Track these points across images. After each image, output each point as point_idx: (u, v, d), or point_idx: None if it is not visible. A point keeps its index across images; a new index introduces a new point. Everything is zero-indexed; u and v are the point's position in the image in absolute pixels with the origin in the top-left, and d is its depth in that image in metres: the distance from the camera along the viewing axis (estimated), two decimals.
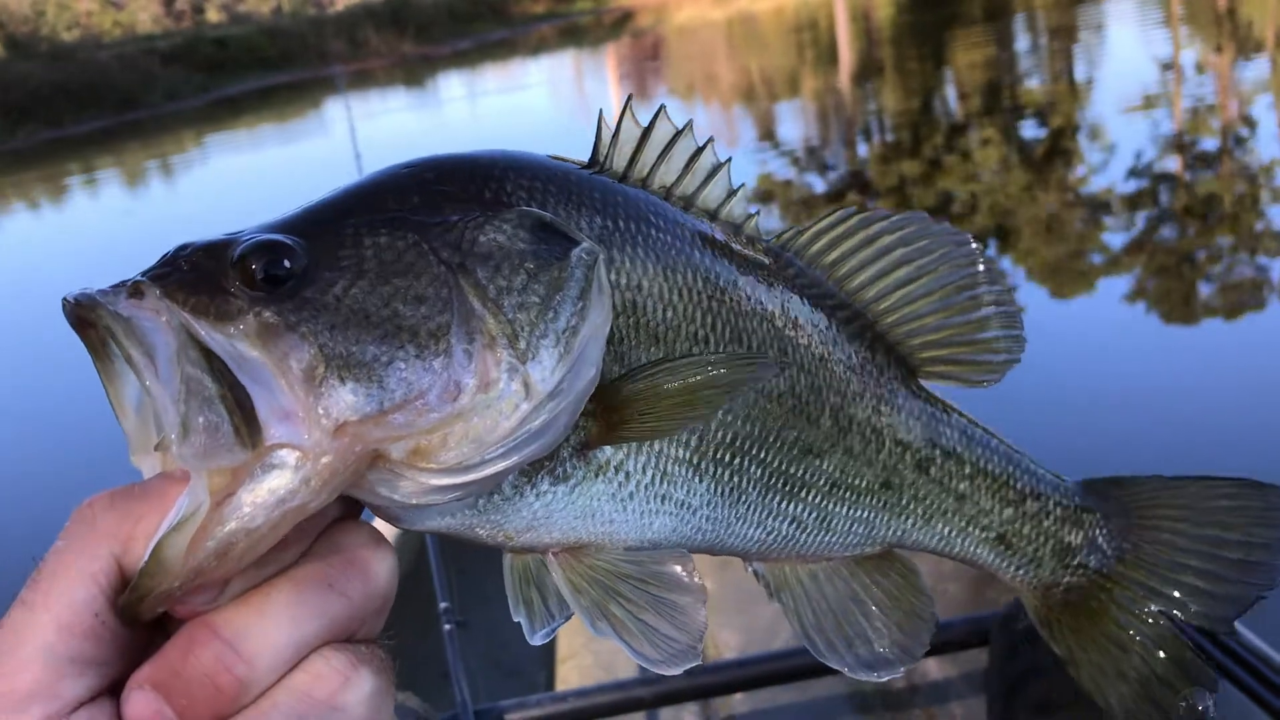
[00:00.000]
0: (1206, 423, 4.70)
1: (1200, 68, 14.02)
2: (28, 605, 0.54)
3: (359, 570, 0.58)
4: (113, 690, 0.55)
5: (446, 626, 2.21)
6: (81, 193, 19.35)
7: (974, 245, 0.82)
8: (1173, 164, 9.79)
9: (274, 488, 0.54)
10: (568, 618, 0.68)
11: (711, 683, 2.19)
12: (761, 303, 0.76)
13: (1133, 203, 8.69)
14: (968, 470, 0.85)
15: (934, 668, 2.63)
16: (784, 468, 0.76)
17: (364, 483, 0.59)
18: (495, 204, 0.65)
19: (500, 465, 0.60)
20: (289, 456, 0.55)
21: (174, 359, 0.56)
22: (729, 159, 0.77)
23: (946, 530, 0.85)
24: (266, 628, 0.55)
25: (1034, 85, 15.23)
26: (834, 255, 0.81)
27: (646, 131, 0.74)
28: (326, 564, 0.58)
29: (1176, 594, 0.86)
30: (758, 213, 0.78)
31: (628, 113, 0.74)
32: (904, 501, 0.83)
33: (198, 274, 0.58)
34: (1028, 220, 8.72)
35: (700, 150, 0.76)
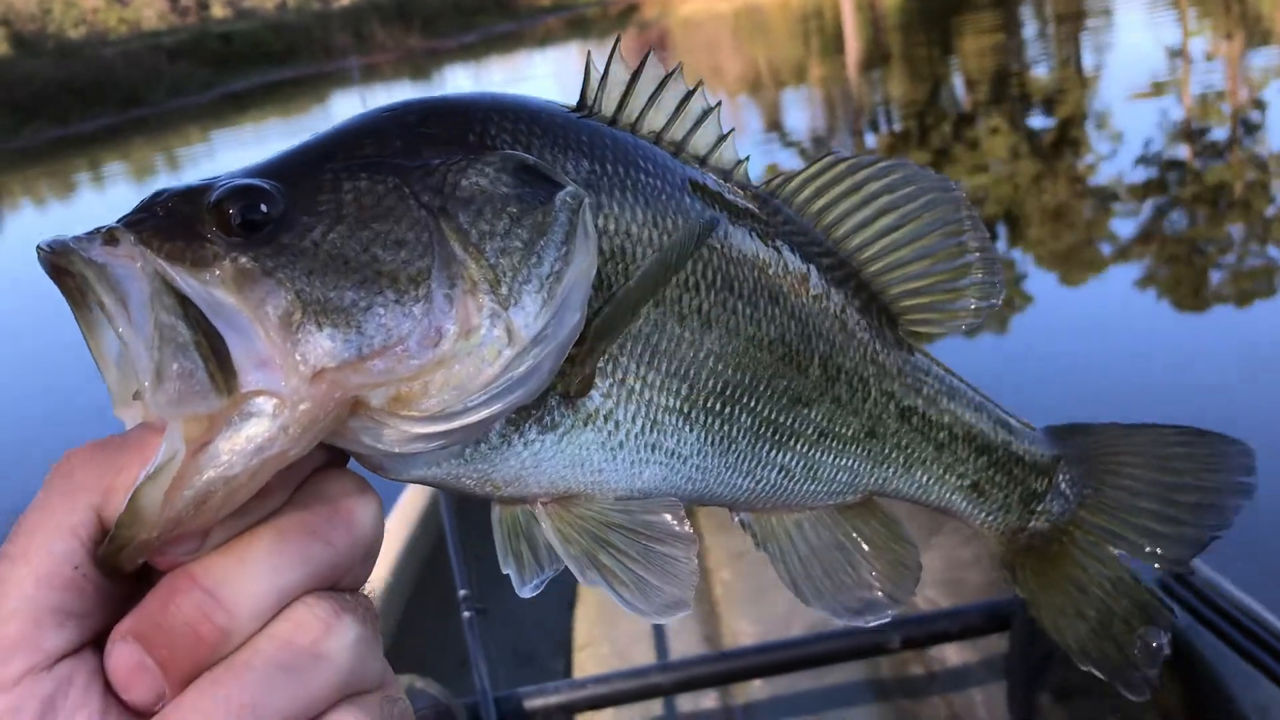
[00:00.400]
0: (1217, 409, 4.67)
1: (1209, 55, 13.92)
2: (8, 558, 0.53)
3: (343, 518, 0.57)
4: (96, 642, 0.54)
5: (466, 614, 2.21)
6: (89, 190, 19.41)
7: (957, 191, 0.82)
8: (1182, 152, 9.72)
9: (251, 435, 0.54)
10: (558, 570, 0.67)
11: (729, 669, 2.18)
12: (751, 249, 0.75)
13: (1142, 191, 8.64)
14: (947, 419, 0.87)
15: (953, 654, 2.62)
16: (774, 416, 0.76)
17: (346, 431, 0.58)
18: (479, 147, 0.63)
19: (484, 413, 0.59)
20: (266, 404, 0.54)
21: (148, 305, 0.55)
22: (719, 103, 0.76)
23: (925, 478, 0.87)
24: (248, 576, 0.54)
25: (1042, 73, 15.14)
26: (821, 202, 0.81)
27: (635, 75, 0.73)
28: (310, 511, 0.57)
29: (1134, 536, 0.89)
30: (747, 159, 0.78)
31: (616, 55, 0.72)
32: (887, 450, 0.84)
33: (173, 219, 0.57)
34: (1037, 209, 8.68)
35: (690, 94, 0.75)
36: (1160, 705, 1.99)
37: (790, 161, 11.92)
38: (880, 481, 0.85)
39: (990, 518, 0.90)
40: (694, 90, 0.75)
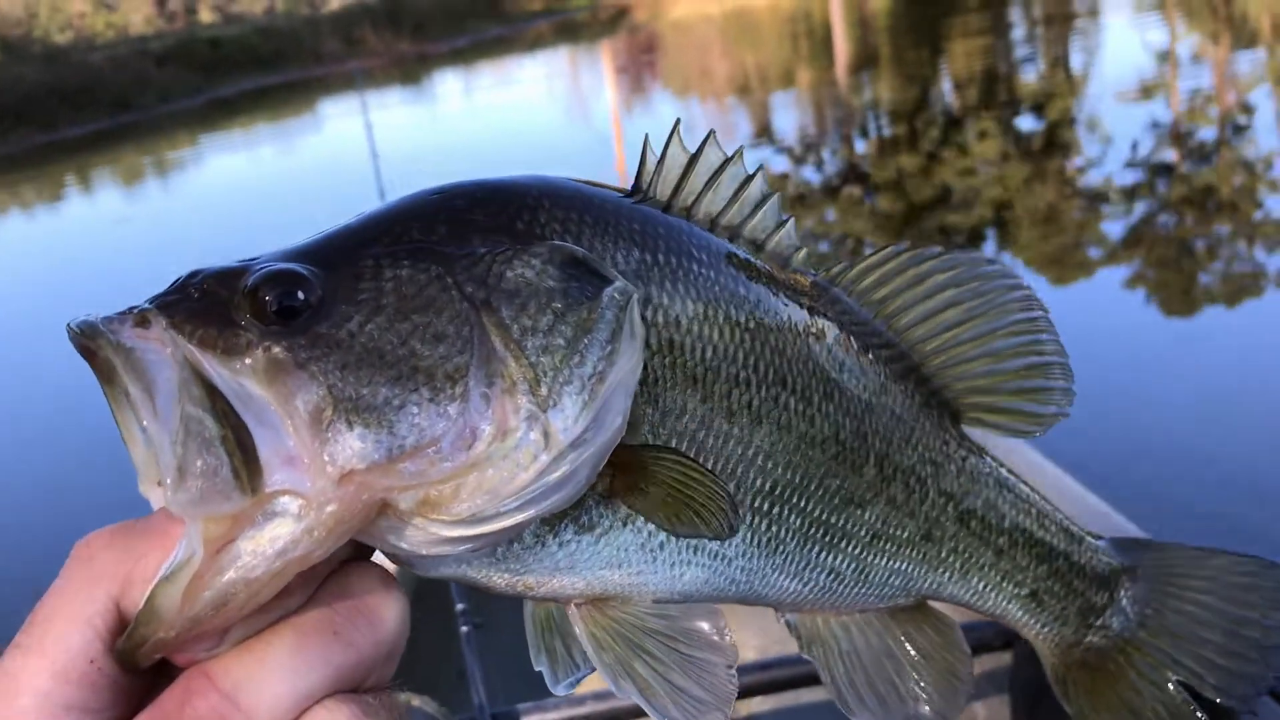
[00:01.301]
0: (1205, 412, 4.69)
1: (1196, 57, 14.00)
2: (23, 650, 0.52)
3: (367, 617, 0.56)
4: None
5: (464, 628, 2.19)
6: (78, 197, 19.31)
7: (1027, 290, 0.79)
8: (1170, 154, 9.77)
9: (275, 537, 0.52)
10: (593, 669, 0.65)
11: None
12: (807, 342, 0.73)
13: (1131, 193, 8.67)
14: (1007, 524, 0.83)
15: None
16: (825, 517, 0.73)
17: (373, 530, 0.57)
18: (527, 236, 0.61)
19: (516, 518, 0.57)
20: (291, 504, 0.53)
21: (175, 396, 0.53)
22: (777, 192, 0.74)
23: (981, 585, 0.84)
24: (267, 678, 0.52)
25: (1031, 76, 15.20)
26: (882, 292, 0.78)
27: (693, 158, 0.71)
28: (333, 610, 0.55)
29: (1195, 666, 0.85)
30: (804, 248, 0.76)
31: (675, 138, 0.70)
32: (943, 554, 0.81)
33: (207, 304, 0.56)
34: (1026, 212, 8.71)
35: (750, 179, 0.73)
36: None
37: (780, 165, 11.93)
38: (935, 586, 0.82)
39: (1046, 629, 0.87)
40: (754, 175, 0.73)
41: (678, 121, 0.72)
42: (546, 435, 0.56)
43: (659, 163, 0.71)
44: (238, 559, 0.52)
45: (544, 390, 0.57)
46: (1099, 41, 17.66)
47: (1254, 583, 0.87)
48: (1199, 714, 0.85)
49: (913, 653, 0.81)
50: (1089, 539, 0.88)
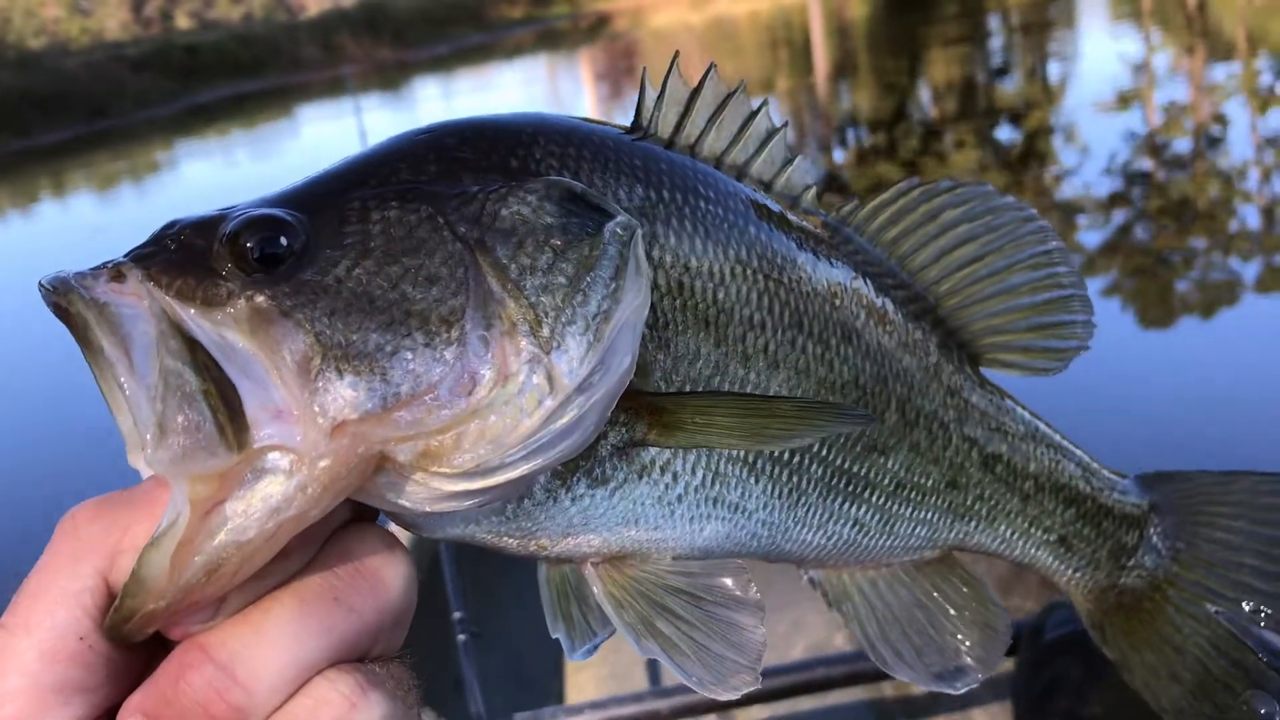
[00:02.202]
0: (1181, 418, 4.71)
1: (1173, 68, 14.15)
2: (8, 630, 0.49)
3: (370, 581, 0.53)
4: (107, 717, 0.51)
5: (461, 637, 2.15)
6: (52, 204, 19.07)
7: (1042, 221, 0.77)
8: (1146, 164, 9.85)
9: (267, 495, 0.49)
10: (611, 633, 0.63)
11: None
12: (822, 283, 0.69)
13: (1108, 203, 8.73)
14: (1033, 468, 0.81)
15: None
16: (847, 466, 0.71)
17: (372, 487, 0.53)
18: (522, 173, 0.58)
19: (523, 468, 0.54)
20: (282, 460, 0.50)
21: (152, 350, 0.50)
22: (785, 123, 0.71)
23: (1009, 532, 0.81)
24: (265, 649, 0.50)
25: (1008, 86, 15.32)
26: (895, 231, 0.75)
27: (695, 92, 0.67)
28: (333, 575, 0.52)
29: (1233, 593, 0.83)
30: (816, 185, 0.73)
31: (674, 72, 0.67)
32: (969, 502, 0.78)
33: (185, 254, 0.52)
34: None
35: (755, 114, 0.69)
36: None
37: None
38: (961, 536, 0.79)
39: (1078, 574, 0.85)
40: (759, 110, 0.69)
41: (676, 54, 0.68)
42: (551, 379, 0.53)
43: (659, 99, 0.67)
44: (228, 521, 0.49)
45: (546, 331, 0.53)
46: (1076, 52, 17.83)
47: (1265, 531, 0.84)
48: (1244, 641, 0.83)
49: (945, 604, 0.78)
50: (1115, 478, 0.85)
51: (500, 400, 0.52)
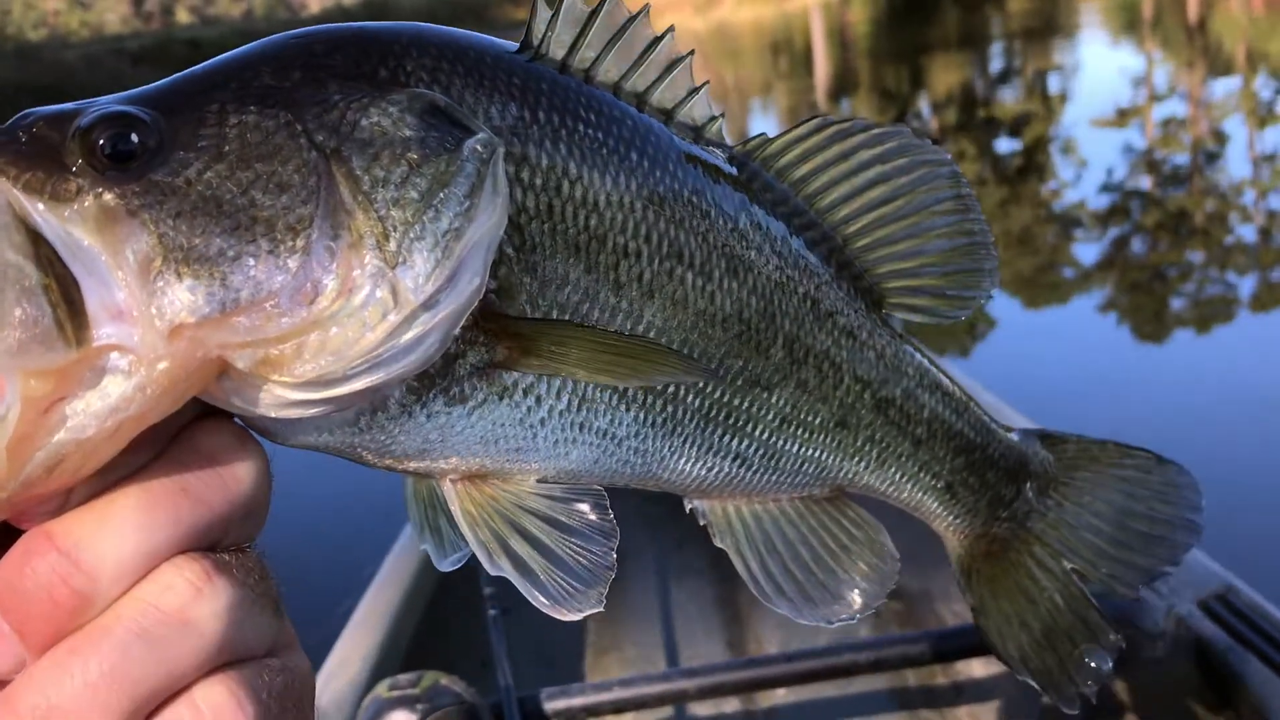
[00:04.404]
0: (1177, 434, 4.71)
1: (1172, 85, 14.21)
2: None
3: (219, 474, 0.53)
4: None
5: (490, 612, 2.17)
6: None
7: (954, 168, 0.76)
8: (1144, 179, 9.88)
9: (105, 394, 0.49)
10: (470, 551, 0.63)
11: (755, 677, 2.15)
12: (712, 215, 0.68)
13: (1105, 217, 8.75)
14: (926, 414, 0.81)
15: (979, 668, 2.60)
16: (727, 399, 0.70)
17: (218, 391, 0.53)
18: (389, 84, 0.56)
19: (364, 381, 0.54)
20: (120, 360, 0.49)
21: None
22: (691, 52, 0.68)
23: (898, 475, 0.82)
24: (109, 537, 0.50)
25: (1008, 99, 15.36)
26: (805, 169, 0.74)
27: (592, 14, 0.64)
28: (181, 466, 0.52)
29: (1088, 555, 0.89)
30: (722, 115, 0.71)
31: None
32: (859, 442, 0.78)
33: (36, 146, 0.51)
34: (1001, 234, 8.77)
35: (658, 40, 0.67)
36: None
37: None
38: (849, 475, 0.79)
39: (958, 520, 0.87)
40: (662, 36, 0.67)
41: None
42: (395, 293, 0.52)
43: (553, 17, 0.64)
44: (68, 419, 0.48)
45: (393, 245, 0.53)
46: (1075, 67, 17.89)
47: (1143, 478, 0.89)
48: (1089, 599, 0.88)
49: (830, 542, 0.78)
50: (1002, 432, 0.88)
51: (343, 313, 0.52)
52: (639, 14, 0.66)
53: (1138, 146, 10.96)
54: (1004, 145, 12.32)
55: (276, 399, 0.53)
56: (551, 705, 2.01)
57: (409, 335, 0.53)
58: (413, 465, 0.60)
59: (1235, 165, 9.81)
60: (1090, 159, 10.52)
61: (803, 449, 0.75)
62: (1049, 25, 22.85)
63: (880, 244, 0.76)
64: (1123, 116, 12.21)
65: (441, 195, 0.54)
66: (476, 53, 0.61)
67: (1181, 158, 10.52)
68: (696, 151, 0.69)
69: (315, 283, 0.51)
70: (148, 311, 0.49)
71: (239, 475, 0.53)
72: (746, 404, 0.71)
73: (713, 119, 0.70)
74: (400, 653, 2.49)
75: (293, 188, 0.52)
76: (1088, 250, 8.11)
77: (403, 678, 1.93)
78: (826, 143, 0.73)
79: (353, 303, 0.52)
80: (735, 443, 0.72)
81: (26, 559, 0.49)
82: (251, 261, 0.51)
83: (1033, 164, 11.08)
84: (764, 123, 17.45)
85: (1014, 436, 0.89)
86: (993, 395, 2.83)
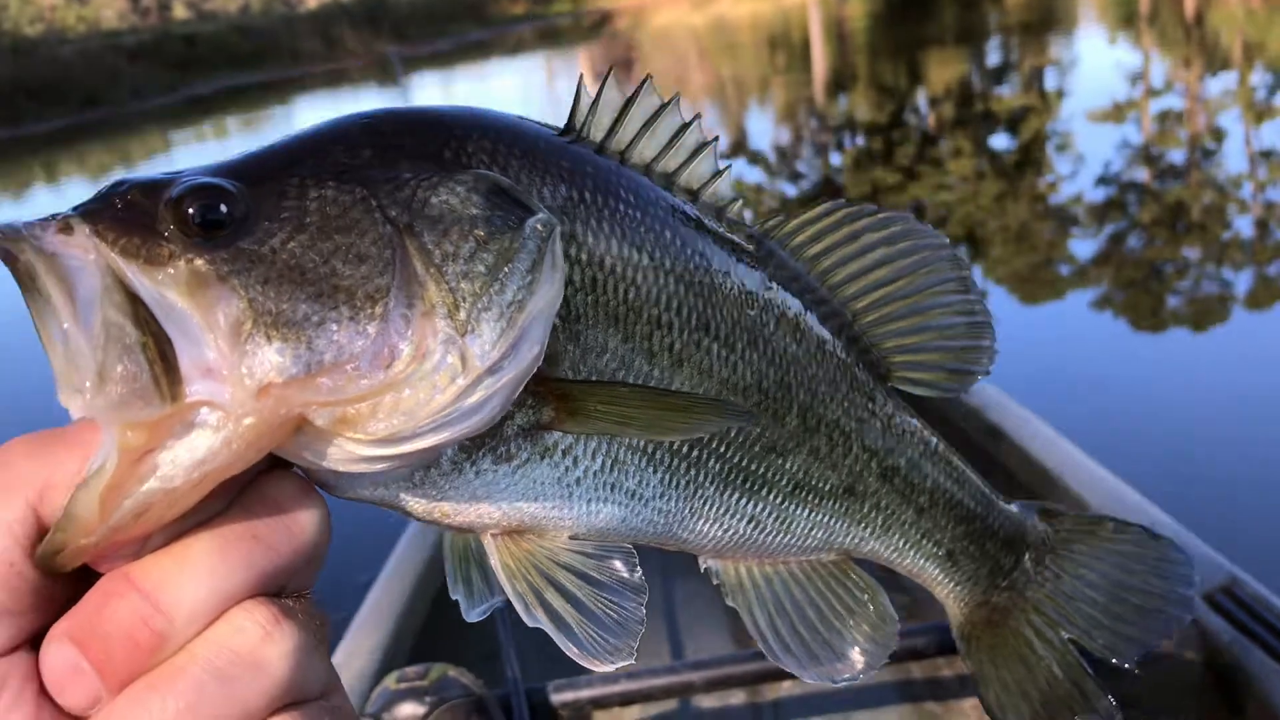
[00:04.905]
0: (1176, 429, 4.71)
1: (1169, 80, 14.19)
2: None
3: (286, 523, 0.57)
4: (32, 643, 0.53)
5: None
6: (45, 193, 18.98)
7: (954, 251, 0.82)
8: (1141, 174, 9.87)
9: (194, 447, 0.52)
10: (505, 599, 0.67)
11: (761, 669, 2.17)
12: (735, 290, 0.73)
13: (1102, 212, 8.75)
14: (929, 484, 0.86)
15: None
16: (745, 464, 0.74)
17: (291, 445, 0.57)
18: (453, 164, 0.61)
19: (431, 440, 0.58)
20: (210, 415, 0.53)
21: (96, 301, 0.53)
22: (716, 138, 0.74)
23: (902, 542, 0.86)
24: (186, 580, 0.53)
25: (1005, 94, 15.34)
26: (817, 248, 0.79)
27: (629, 102, 0.70)
28: (253, 515, 0.56)
29: (1085, 625, 0.92)
30: (740, 199, 0.76)
31: (610, 80, 0.70)
32: (865, 509, 0.82)
33: (131, 213, 0.55)
34: (998, 229, 8.75)
35: (686, 126, 0.72)
36: None
37: (754, 176, 11.93)
38: (856, 541, 0.83)
39: (958, 588, 0.91)
40: (690, 122, 0.72)
41: (611, 67, 0.71)
42: (464, 359, 0.57)
43: (593, 104, 0.70)
44: (157, 468, 0.52)
45: (463, 315, 0.57)
46: (1072, 62, 17.86)
47: (1138, 552, 0.93)
48: (1086, 669, 0.91)
49: (836, 604, 0.83)
50: (1002, 504, 0.92)
51: (416, 376, 0.56)
52: (669, 102, 0.71)
53: (1134, 141, 10.96)
54: (1001, 140, 12.31)
55: (347, 454, 0.57)
56: (558, 697, 2.03)
57: (474, 398, 0.57)
58: (458, 520, 0.64)
59: (1232, 160, 9.80)
60: (1087, 154, 10.52)
61: (813, 514, 0.79)
62: (1046, 20, 22.82)
63: (886, 320, 0.81)
64: (1119, 111, 12.19)
65: (506, 269, 0.58)
66: (530, 137, 0.66)
67: (1178, 153, 10.51)
68: (721, 230, 0.74)
69: (392, 348, 0.55)
70: (238, 370, 0.53)
71: (304, 524, 0.57)
72: (762, 469, 0.75)
73: (733, 200, 0.76)
74: (408, 645, 2.50)
75: (370, 259, 0.56)
76: (1084, 245, 8.11)
77: (411, 670, 1.93)
78: (837, 224, 0.79)
79: (425, 367, 0.56)
80: (751, 506, 0.76)
81: (107, 600, 0.52)
82: (334, 326, 0.55)
83: (1029, 159, 11.07)
84: (761, 119, 17.42)
85: (1013, 508, 0.93)
86: (995, 387, 2.82)
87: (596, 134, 0.70)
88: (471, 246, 0.58)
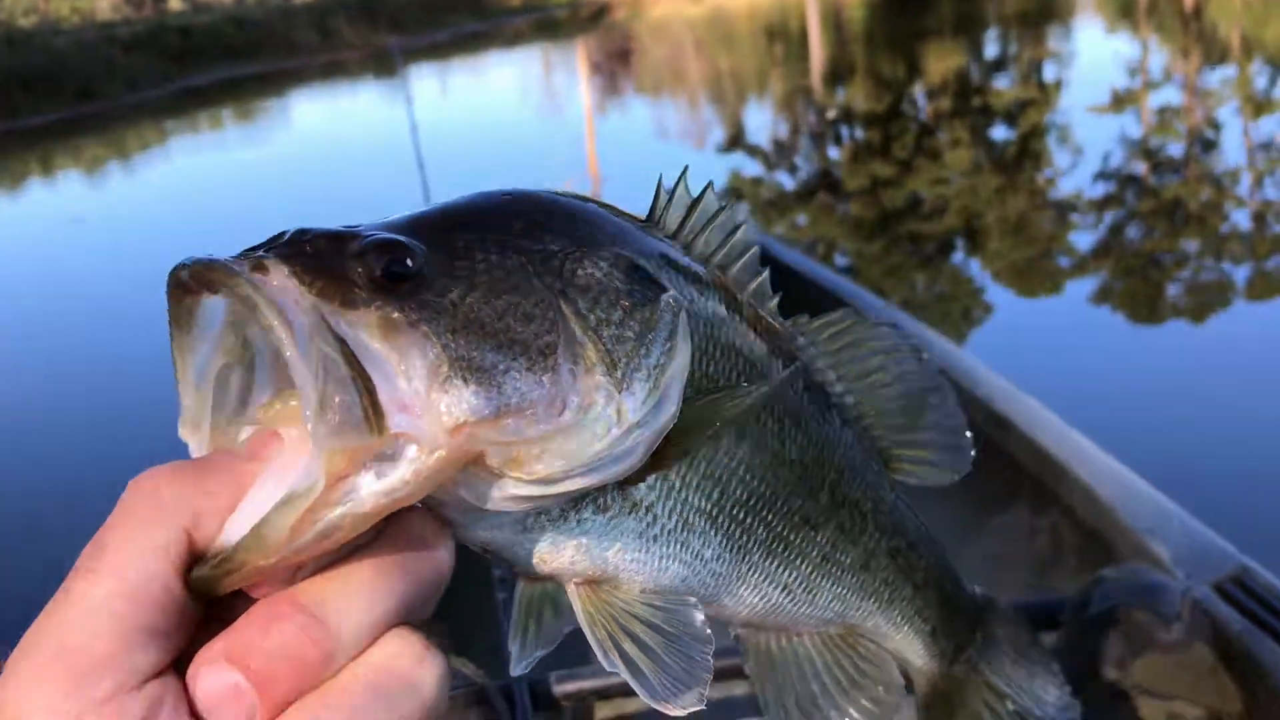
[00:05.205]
0: (1174, 423, 4.73)
1: (1167, 73, 14.19)
2: (95, 574, 0.53)
3: (428, 554, 0.60)
4: (174, 666, 0.54)
5: (500, 595, 2.21)
6: (41, 187, 18.92)
7: (930, 360, 0.91)
8: (1140, 167, 9.89)
9: (385, 476, 0.56)
10: (548, 650, 0.72)
11: None
12: (779, 373, 0.81)
13: (1100, 205, 8.76)
14: (923, 563, 0.95)
15: None
16: (786, 533, 0.81)
17: (449, 481, 0.60)
18: (590, 242, 0.68)
19: (581, 483, 0.62)
20: (407, 447, 0.56)
21: (311, 336, 0.56)
22: (757, 244, 0.83)
23: (899, 616, 0.94)
24: (350, 602, 0.55)
25: (1003, 86, 15.33)
26: (835, 346, 0.88)
27: (695, 202, 0.80)
28: (398, 546, 0.59)
29: (1023, 699, 1.05)
30: (776, 297, 0.85)
31: (682, 183, 0.80)
32: (876, 584, 0.90)
33: (322, 260, 0.59)
34: (997, 221, 8.76)
35: (737, 228, 0.81)
36: (1217, 710, 1.98)
37: (753, 169, 11.92)
38: (863, 614, 0.91)
39: (932, 660, 1.00)
40: (740, 225, 0.81)
41: (685, 169, 0.81)
42: (619, 413, 0.62)
43: (668, 202, 0.79)
44: (351, 494, 0.55)
45: (619, 374, 0.63)
46: (1071, 54, 17.85)
47: (1038, 659, 1.08)
48: None
49: (840, 677, 0.90)
50: (970, 588, 1.03)
51: (580, 424, 0.61)
52: (724, 205, 0.81)
53: (1133, 134, 10.97)
54: (999, 132, 12.31)
55: (505, 492, 0.61)
56: (561, 688, 2.03)
57: (623, 447, 0.63)
58: (551, 564, 0.69)
59: (1230, 152, 9.82)
60: (1086, 146, 10.53)
61: (835, 585, 0.88)
62: (1045, 11, 22.79)
63: (886, 415, 0.91)
64: (1118, 103, 12.20)
65: (650, 336, 0.65)
66: (636, 231, 0.75)
67: (1177, 145, 10.53)
68: (766, 322, 0.83)
69: (564, 398, 0.61)
70: (436, 409, 0.57)
71: (443, 558, 0.61)
72: (799, 539, 0.82)
73: (770, 297, 0.84)
74: None
75: (536, 318, 0.62)
76: (1083, 237, 8.12)
77: None
78: (850, 328, 0.88)
79: (589, 416, 0.62)
80: (786, 574, 0.83)
81: (272, 621, 0.54)
82: (517, 375, 0.60)
83: (1028, 151, 11.08)
84: (760, 111, 17.40)
85: (973, 591, 1.04)
86: (1003, 378, 2.82)
87: (671, 226, 0.79)
88: (620, 314, 0.65)
